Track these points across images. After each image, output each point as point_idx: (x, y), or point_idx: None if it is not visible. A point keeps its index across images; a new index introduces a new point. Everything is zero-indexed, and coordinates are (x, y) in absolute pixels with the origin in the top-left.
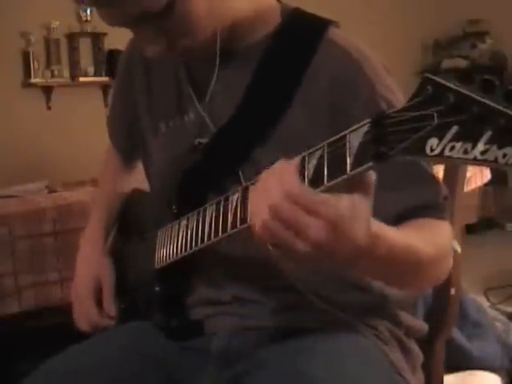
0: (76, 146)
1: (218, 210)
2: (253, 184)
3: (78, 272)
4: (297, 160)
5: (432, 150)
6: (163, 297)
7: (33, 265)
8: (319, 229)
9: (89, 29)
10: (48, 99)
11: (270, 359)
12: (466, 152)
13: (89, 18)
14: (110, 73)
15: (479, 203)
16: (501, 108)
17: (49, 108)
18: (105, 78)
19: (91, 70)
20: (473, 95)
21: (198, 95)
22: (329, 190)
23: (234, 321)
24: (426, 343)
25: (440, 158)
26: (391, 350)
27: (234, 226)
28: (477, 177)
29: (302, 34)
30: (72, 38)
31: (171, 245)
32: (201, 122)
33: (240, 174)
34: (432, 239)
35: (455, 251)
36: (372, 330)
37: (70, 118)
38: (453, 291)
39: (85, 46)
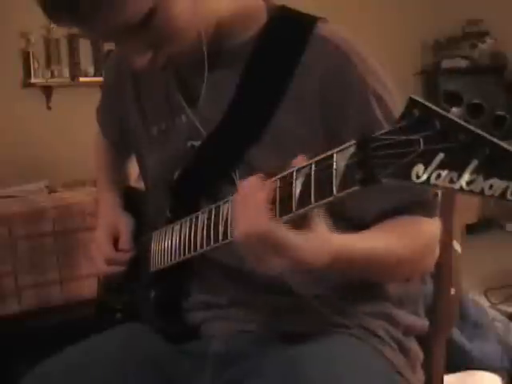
0: (76, 145)
1: (209, 219)
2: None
3: (96, 230)
4: (270, 183)
5: (418, 177)
6: (159, 302)
7: (33, 265)
8: (283, 264)
9: None
10: (48, 99)
11: (268, 364)
12: (452, 181)
13: None
14: None
15: (479, 203)
16: (486, 136)
17: (49, 108)
18: None
19: (91, 69)
20: (459, 122)
21: (188, 98)
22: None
23: (231, 324)
24: (426, 343)
25: (427, 185)
26: (389, 350)
27: (225, 237)
28: None
29: (290, 32)
30: (72, 37)
31: (165, 250)
32: (192, 125)
33: (234, 176)
34: (408, 239)
35: (455, 251)
36: (368, 332)
37: (70, 118)
38: (453, 291)
39: (85, 46)
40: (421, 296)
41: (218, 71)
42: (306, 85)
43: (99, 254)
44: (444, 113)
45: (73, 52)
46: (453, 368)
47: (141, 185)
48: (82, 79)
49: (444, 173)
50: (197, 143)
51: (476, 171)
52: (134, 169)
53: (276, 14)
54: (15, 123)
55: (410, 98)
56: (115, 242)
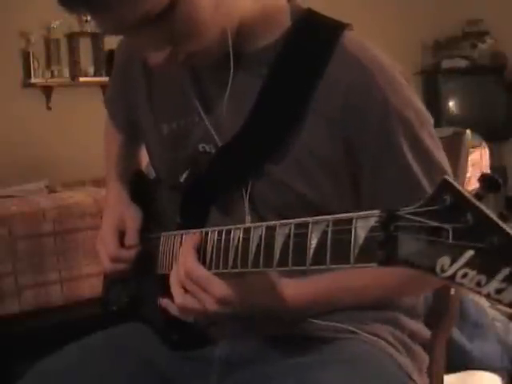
0: (76, 145)
1: (219, 243)
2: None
3: (103, 222)
4: (197, 235)
5: (443, 271)
6: (165, 308)
7: (33, 265)
8: (209, 302)
9: (89, 29)
10: (48, 99)
11: (276, 371)
12: (479, 284)
13: (89, 18)
14: (110, 73)
15: None
16: None
17: (49, 108)
18: (105, 78)
19: (91, 69)
20: (495, 219)
21: (203, 100)
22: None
23: (235, 328)
24: (427, 343)
25: (451, 282)
26: (397, 353)
27: (234, 266)
28: (477, 177)
29: (315, 41)
30: (72, 38)
31: (172, 257)
32: (205, 128)
33: (245, 188)
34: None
35: None
36: (376, 337)
37: (70, 118)
38: (453, 291)
39: (85, 46)
40: (423, 309)
41: (237, 75)
42: (329, 100)
43: (103, 250)
44: (479, 205)
45: (73, 52)
46: (453, 368)
47: (151, 171)
48: (82, 79)
49: (471, 273)
50: (209, 147)
51: (507, 280)
52: (144, 156)
53: (300, 19)
54: (15, 123)
55: (444, 179)
56: (122, 236)
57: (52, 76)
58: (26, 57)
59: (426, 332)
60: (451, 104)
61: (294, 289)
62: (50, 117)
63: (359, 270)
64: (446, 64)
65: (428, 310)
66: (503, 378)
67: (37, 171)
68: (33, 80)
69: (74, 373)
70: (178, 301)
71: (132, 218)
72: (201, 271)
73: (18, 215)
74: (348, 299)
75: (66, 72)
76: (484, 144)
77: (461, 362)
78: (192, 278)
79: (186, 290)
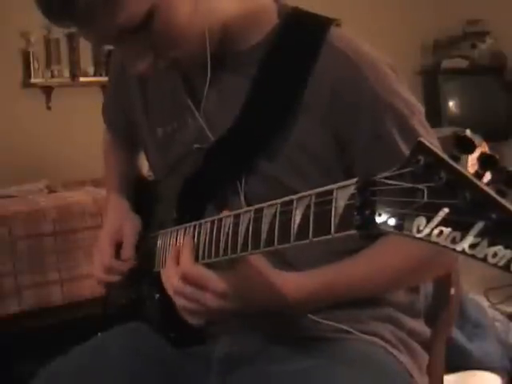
0: (76, 145)
1: (211, 232)
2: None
3: (102, 230)
4: (190, 240)
5: (419, 231)
6: (163, 306)
7: (33, 265)
8: (210, 299)
9: None
10: (48, 99)
11: (277, 371)
12: (454, 241)
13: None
14: None
15: None
16: (496, 197)
17: (49, 108)
18: (105, 78)
19: (91, 70)
20: (468, 176)
21: (195, 101)
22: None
23: (235, 327)
24: (426, 342)
25: (427, 241)
26: (398, 352)
27: (225, 253)
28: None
29: (303, 39)
30: (72, 37)
31: (167, 254)
32: (198, 129)
33: (239, 184)
34: (398, 260)
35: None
36: (377, 336)
37: (70, 118)
38: (453, 291)
39: (85, 46)
40: (423, 308)
41: (226, 76)
42: (317, 97)
43: (99, 261)
44: (452, 163)
45: (73, 52)
46: (453, 368)
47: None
48: (82, 79)
49: (446, 231)
50: (203, 146)
51: (481, 234)
52: (145, 161)
53: (287, 17)
54: (15, 123)
55: (418, 141)
56: (119, 246)
57: (52, 76)
58: (26, 57)
59: (425, 331)
60: (451, 104)
61: (294, 281)
62: (50, 117)
63: (359, 260)
64: (446, 64)
65: (428, 310)
66: (503, 378)
67: (37, 171)
68: (33, 80)
69: (84, 375)
70: (180, 303)
71: (129, 226)
72: (195, 270)
73: (18, 215)
74: (350, 290)
75: (66, 72)
76: (484, 144)
77: (461, 361)
78: (187, 279)
79: (185, 297)
